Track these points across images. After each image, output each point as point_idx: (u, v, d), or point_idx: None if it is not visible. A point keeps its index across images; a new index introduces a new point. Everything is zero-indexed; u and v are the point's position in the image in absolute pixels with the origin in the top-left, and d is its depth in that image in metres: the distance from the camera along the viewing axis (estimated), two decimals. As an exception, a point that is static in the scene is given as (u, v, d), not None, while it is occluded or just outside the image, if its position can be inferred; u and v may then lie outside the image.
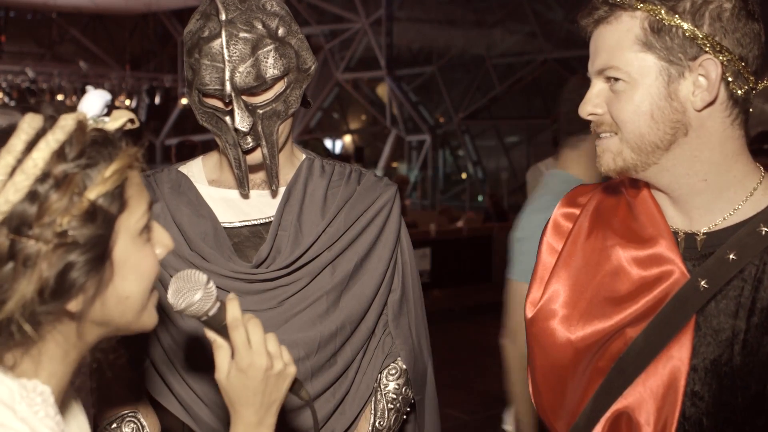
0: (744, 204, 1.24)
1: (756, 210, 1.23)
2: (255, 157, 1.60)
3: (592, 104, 1.26)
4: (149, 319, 1.08)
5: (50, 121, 0.96)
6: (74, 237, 0.92)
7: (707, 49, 1.17)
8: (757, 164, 1.28)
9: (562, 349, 1.34)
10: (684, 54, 1.18)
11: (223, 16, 1.52)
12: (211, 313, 1.20)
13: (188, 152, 6.14)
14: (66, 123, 0.95)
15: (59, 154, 0.93)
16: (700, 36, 1.17)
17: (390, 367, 1.67)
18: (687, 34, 1.17)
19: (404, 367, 1.70)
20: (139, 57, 19.71)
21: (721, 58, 1.17)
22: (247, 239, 1.65)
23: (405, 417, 1.46)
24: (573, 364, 1.34)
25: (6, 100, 14.78)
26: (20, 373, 0.97)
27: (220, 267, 1.58)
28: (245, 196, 1.65)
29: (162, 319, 1.59)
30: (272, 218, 1.65)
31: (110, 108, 1.07)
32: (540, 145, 15.12)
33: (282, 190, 1.68)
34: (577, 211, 1.44)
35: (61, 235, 0.92)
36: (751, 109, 1.25)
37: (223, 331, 1.21)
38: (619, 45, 1.22)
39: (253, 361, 1.20)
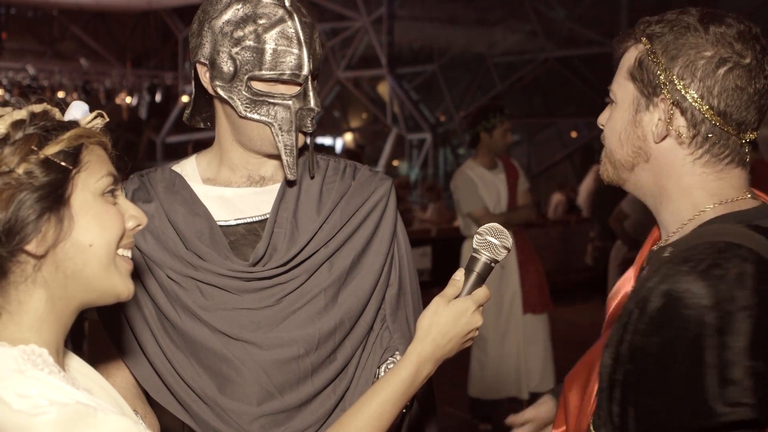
0: (684, 226, 1.33)
1: (682, 234, 1.32)
2: (300, 141, 1.63)
3: (603, 117, 1.43)
4: (121, 282, 1.12)
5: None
6: (29, 180, 1.02)
7: (665, 90, 1.29)
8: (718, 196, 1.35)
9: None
10: (653, 90, 1.31)
11: (287, 1, 1.57)
12: (492, 264, 1.41)
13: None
14: (34, 106, 1.09)
15: (20, 123, 1.05)
16: (663, 77, 1.29)
17: (388, 361, 1.66)
18: (658, 73, 1.29)
19: None
20: (140, 54, 19.69)
21: (671, 101, 1.28)
22: (243, 237, 1.64)
23: (404, 411, 1.46)
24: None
25: (7, 97, 14.77)
26: (14, 341, 1.04)
27: (216, 266, 1.58)
28: (292, 183, 1.66)
29: (159, 318, 1.60)
30: (268, 215, 1.64)
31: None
32: (540, 144, 15.11)
33: (277, 186, 1.67)
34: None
35: (15, 177, 1.02)
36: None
37: (475, 278, 1.41)
38: (620, 71, 1.37)
39: (472, 314, 1.39)
